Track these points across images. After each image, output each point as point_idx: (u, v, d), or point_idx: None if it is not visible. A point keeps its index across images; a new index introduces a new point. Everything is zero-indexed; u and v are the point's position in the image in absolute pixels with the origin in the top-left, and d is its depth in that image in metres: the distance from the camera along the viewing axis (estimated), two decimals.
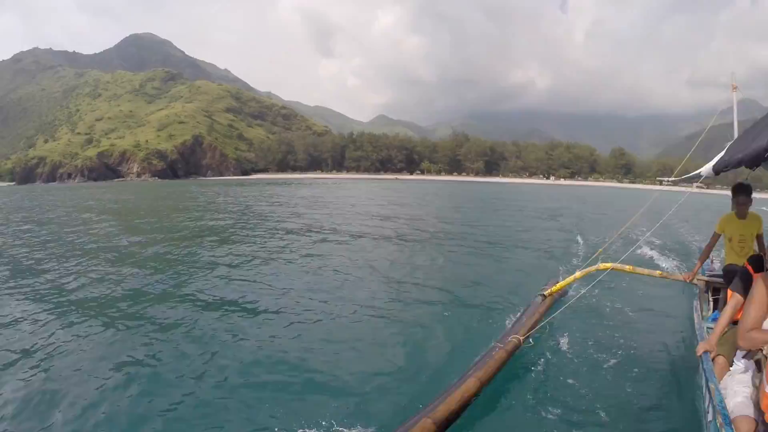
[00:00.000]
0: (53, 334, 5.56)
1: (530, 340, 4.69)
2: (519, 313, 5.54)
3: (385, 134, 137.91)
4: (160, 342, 5.29)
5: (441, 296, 7.21)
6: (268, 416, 3.69)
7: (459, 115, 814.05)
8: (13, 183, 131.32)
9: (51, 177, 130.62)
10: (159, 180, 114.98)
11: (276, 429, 3.45)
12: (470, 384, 3.58)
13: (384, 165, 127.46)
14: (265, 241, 12.82)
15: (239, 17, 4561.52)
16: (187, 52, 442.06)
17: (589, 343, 5.09)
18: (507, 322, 5.53)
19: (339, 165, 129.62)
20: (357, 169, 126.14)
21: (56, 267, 9.55)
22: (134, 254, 10.98)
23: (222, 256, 10.46)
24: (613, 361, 4.61)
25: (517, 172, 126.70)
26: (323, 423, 3.48)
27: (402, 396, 3.99)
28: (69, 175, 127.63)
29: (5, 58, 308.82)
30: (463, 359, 4.50)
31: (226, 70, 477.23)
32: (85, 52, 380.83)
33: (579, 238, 13.13)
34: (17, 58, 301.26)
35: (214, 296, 7.18)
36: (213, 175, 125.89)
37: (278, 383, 4.29)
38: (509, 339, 4.47)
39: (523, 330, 4.73)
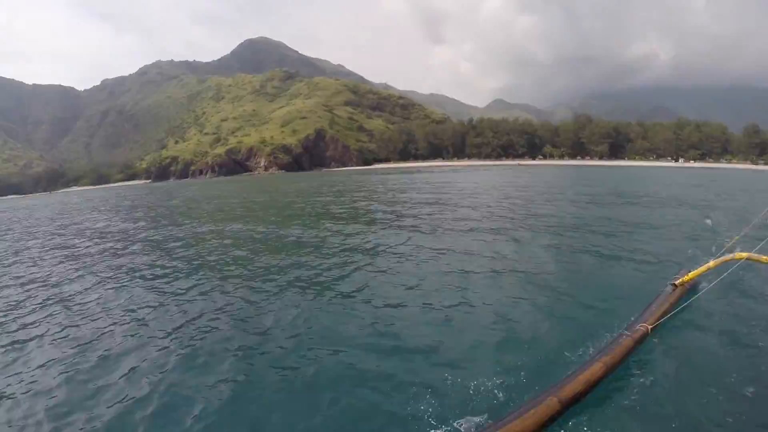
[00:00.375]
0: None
1: (658, 330, 4.61)
2: (648, 302, 5.30)
3: (505, 119, 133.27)
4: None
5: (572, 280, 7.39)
6: (413, 384, 4.19)
7: (578, 95, 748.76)
8: (149, 180, 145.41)
9: (184, 174, 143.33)
10: (285, 172, 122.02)
11: (413, 398, 3.91)
12: (596, 368, 3.71)
13: (505, 150, 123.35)
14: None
15: (347, 13, 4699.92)
16: (300, 52, 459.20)
17: (719, 340, 4.80)
18: (634, 310, 5.32)
19: (460, 152, 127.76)
20: (478, 156, 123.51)
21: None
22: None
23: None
24: (741, 362, 4.32)
25: (644, 154, 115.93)
26: (454, 395, 3.83)
27: (529, 373, 4.18)
28: (200, 172, 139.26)
29: (132, 72, 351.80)
30: (586, 342, 4.63)
31: (340, 65, 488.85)
32: (204, 60, 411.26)
33: (712, 225, 12.25)
34: (143, 72, 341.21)
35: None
36: (337, 167, 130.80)
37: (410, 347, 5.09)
38: (637, 327, 4.46)
39: (651, 319, 4.66)
